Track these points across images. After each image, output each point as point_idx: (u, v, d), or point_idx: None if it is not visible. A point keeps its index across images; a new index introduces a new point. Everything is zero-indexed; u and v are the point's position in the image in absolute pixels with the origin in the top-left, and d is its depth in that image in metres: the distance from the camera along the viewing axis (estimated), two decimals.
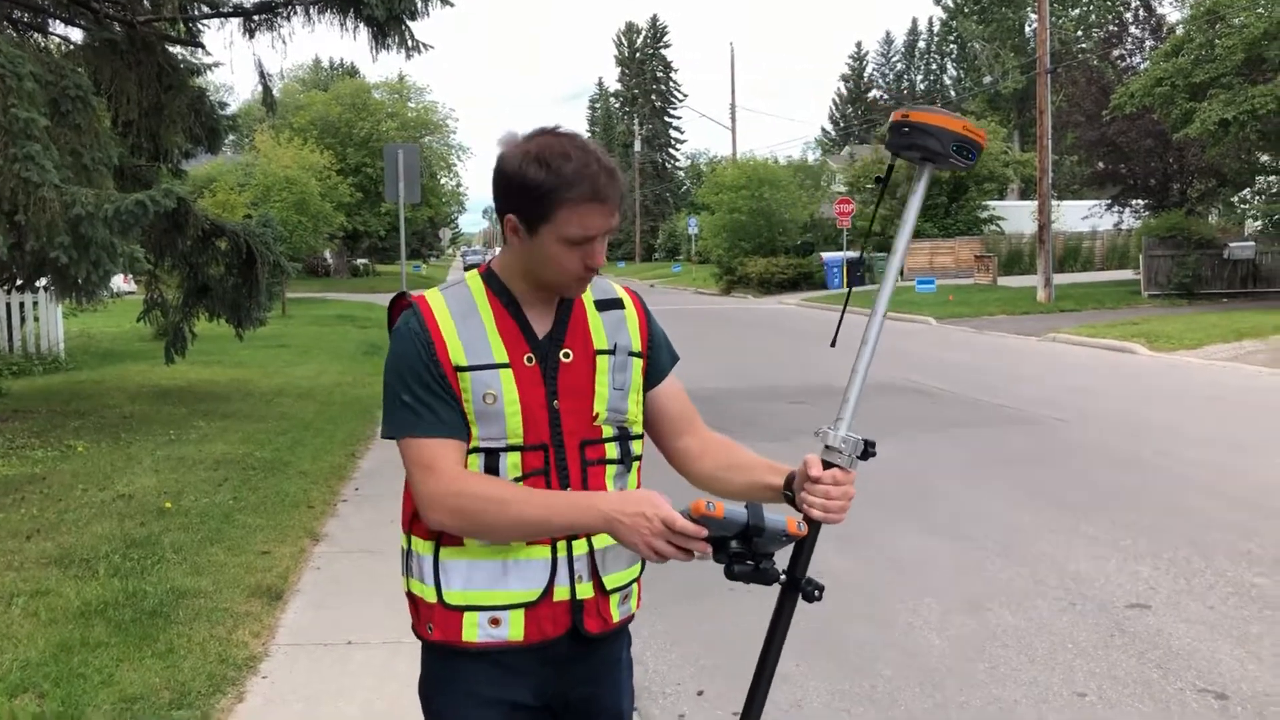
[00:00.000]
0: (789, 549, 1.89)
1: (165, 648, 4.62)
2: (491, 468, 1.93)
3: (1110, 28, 37.26)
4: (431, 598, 1.97)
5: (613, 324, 2.05)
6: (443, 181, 58.66)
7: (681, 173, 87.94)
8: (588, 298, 2.05)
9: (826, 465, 1.92)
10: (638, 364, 2.06)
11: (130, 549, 6.05)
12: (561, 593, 1.97)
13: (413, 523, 2.00)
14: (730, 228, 40.98)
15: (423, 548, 1.98)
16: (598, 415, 1.99)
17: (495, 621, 1.95)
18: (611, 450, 2.01)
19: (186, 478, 7.93)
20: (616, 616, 2.07)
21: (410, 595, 2.03)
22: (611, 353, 2.02)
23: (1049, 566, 5.88)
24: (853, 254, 36.45)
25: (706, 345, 19.50)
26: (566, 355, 1.98)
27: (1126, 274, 32.31)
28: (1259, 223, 24.65)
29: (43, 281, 11.22)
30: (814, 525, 1.91)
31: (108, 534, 6.37)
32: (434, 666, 2.05)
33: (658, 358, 2.11)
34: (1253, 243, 25.21)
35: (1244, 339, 16.89)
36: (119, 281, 23.84)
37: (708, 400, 12.28)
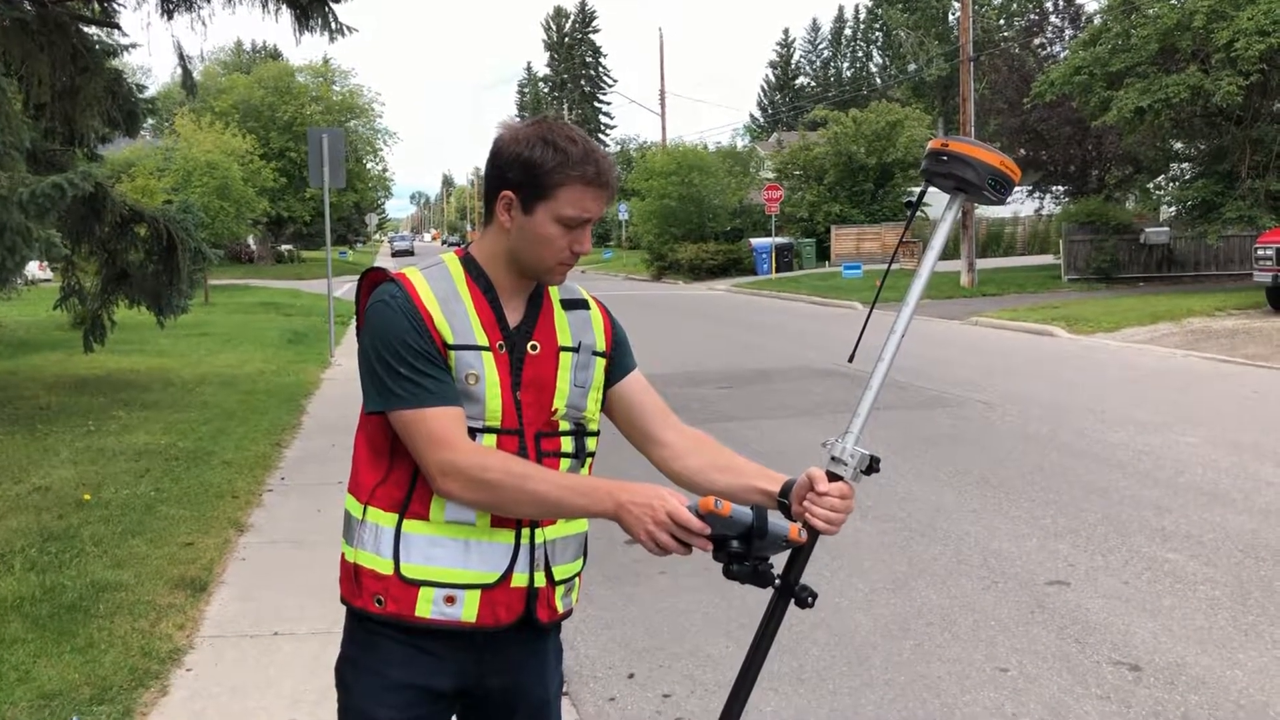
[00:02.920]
0: (784, 554, 1.93)
1: (85, 642, 4.52)
2: None
3: (1031, 16, 37.97)
4: (387, 570, 1.95)
5: (579, 323, 2.10)
6: (369, 166, 57.95)
7: (612, 158, 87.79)
8: (555, 296, 2.09)
9: (832, 477, 1.96)
10: (600, 364, 2.10)
11: (48, 543, 5.91)
12: (519, 579, 1.99)
13: (373, 495, 1.98)
14: (661, 214, 41.04)
15: (384, 519, 1.97)
16: (556, 410, 2.02)
17: (451, 600, 1.95)
18: (566, 444, 2.04)
19: (106, 469, 7.75)
20: (560, 608, 2.10)
21: (355, 567, 2.00)
22: (575, 350, 2.06)
23: (972, 545, 6.01)
24: (781, 239, 36.72)
25: (635, 331, 19.47)
26: (534, 347, 2.01)
27: (1047, 259, 32.99)
28: (1173, 208, 25.30)
29: None
30: (813, 534, 1.95)
31: (23, 528, 6.21)
32: (356, 644, 2.04)
33: (621, 357, 2.17)
34: (1167, 228, 25.90)
35: (1159, 322, 17.37)
36: (34, 268, 23.19)
37: None
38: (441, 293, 1.97)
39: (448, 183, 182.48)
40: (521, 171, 1.94)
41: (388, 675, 1.99)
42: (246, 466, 7.96)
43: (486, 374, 1.95)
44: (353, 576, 2.00)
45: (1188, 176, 24.76)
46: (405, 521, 1.95)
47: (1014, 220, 39.37)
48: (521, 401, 1.98)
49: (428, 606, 1.95)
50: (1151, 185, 28.58)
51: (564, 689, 2.21)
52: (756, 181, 44.48)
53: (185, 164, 35.15)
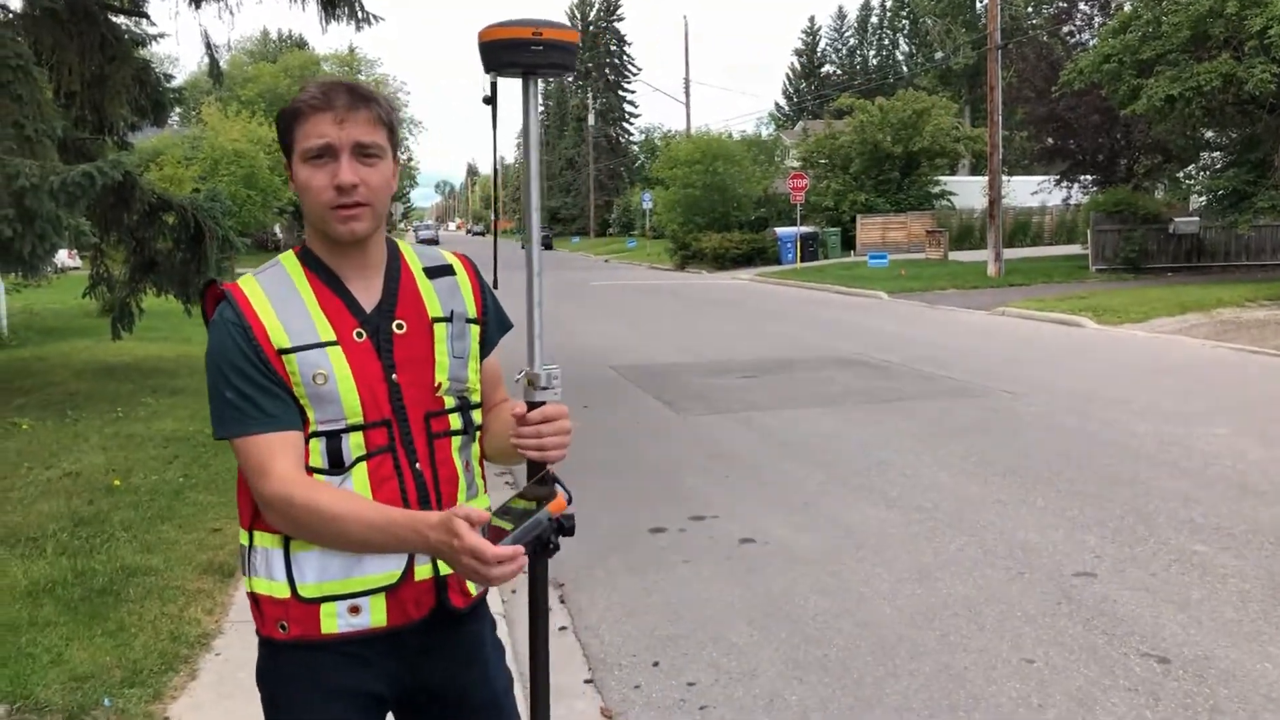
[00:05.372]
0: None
1: (116, 626, 4.57)
2: (335, 450, 1.84)
3: (1060, 4, 37.61)
4: (284, 593, 1.87)
5: (446, 291, 1.97)
6: None
7: (636, 147, 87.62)
8: (416, 265, 1.97)
9: (531, 406, 1.87)
10: (475, 330, 1.99)
11: (78, 527, 5.97)
12: (423, 571, 1.89)
13: (254, 519, 1.89)
14: (684, 203, 40.97)
15: (270, 542, 1.88)
16: (440, 385, 1.91)
17: (355, 610, 1.86)
18: (455, 421, 1.94)
19: (135, 455, 7.82)
20: (474, 589, 1.99)
21: (254, 596, 1.91)
22: (449, 320, 1.95)
23: (998, 536, 5.98)
24: (806, 229, 36.57)
25: (660, 321, 19.54)
26: (400, 326, 1.90)
27: (1074, 249, 32.75)
28: (1203, 198, 24.99)
29: None
30: (536, 467, 1.85)
31: (55, 512, 6.28)
32: (276, 663, 1.94)
33: (492, 323, 2.04)
34: (1197, 218, 25.64)
35: (1188, 312, 17.21)
36: (63, 256, 23.38)
37: (660, 376, 12.32)
38: (276, 292, 1.86)
39: (472, 172, 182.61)
40: (280, 135, 1.88)
41: (321, 684, 1.89)
42: None
43: (336, 370, 1.82)
44: (255, 605, 1.92)
45: (1218, 165, 24.49)
46: (292, 542, 1.86)
47: (1041, 210, 39.08)
48: (400, 384, 1.87)
49: (333, 621, 1.86)
50: (1181, 174, 28.32)
51: (512, 689, 2.13)
52: (781, 170, 44.33)
53: (212, 153, 35.38)
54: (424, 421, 1.89)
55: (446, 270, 2.00)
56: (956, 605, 4.99)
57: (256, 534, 1.90)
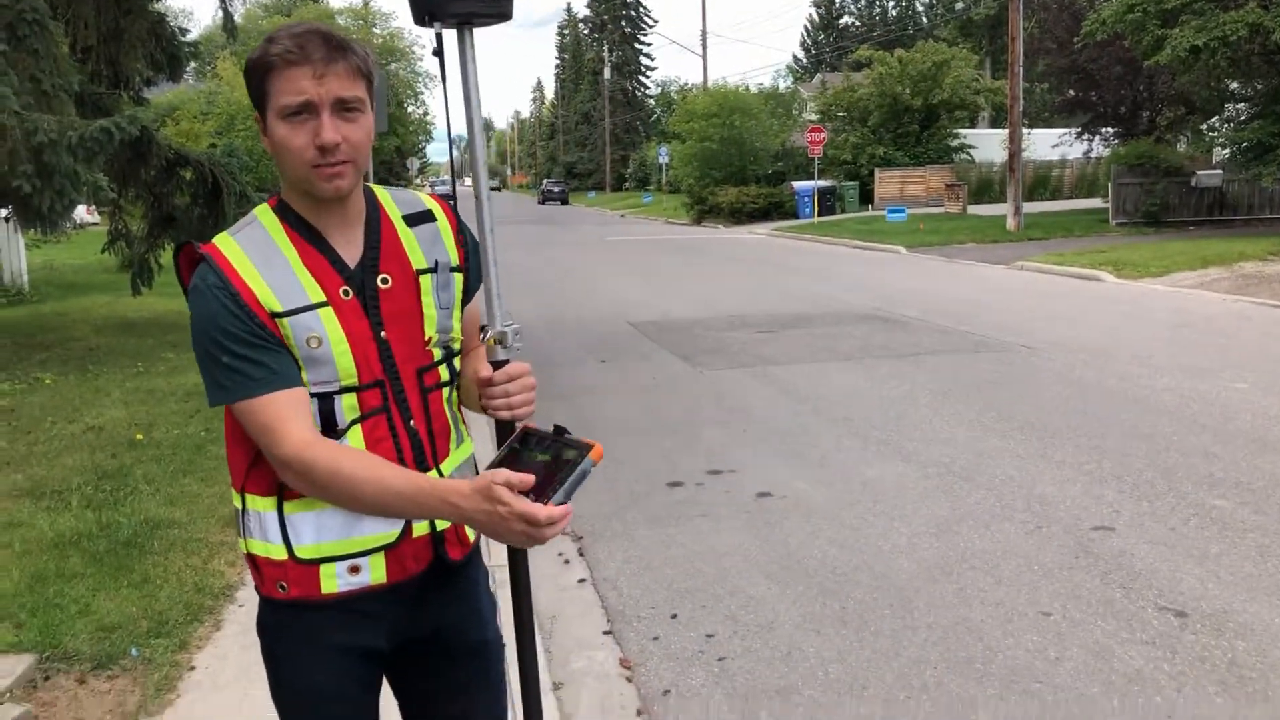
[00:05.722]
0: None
1: (141, 578, 4.64)
2: (328, 412, 1.79)
3: None
4: (281, 555, 1.84)
5: (428, 239, 1.90)
6: (409, 110, 57.80)
7: (652, 101, 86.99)
8: (395, 214, 1.89)
9: (496, 366, 1.87)
10: (459, 279, 1.92)
11: (102, 481, 6.04)
12: (421, 528, 1.88)
13: (246, 481, 1.86)
14: (701, 156, 40.69)
15: (263, 505, 1.84)
16: (430, 339, 1.87)
17: (355, 569, 1.84)
18: (444, 372, 1.91)
19: (157, 410, 7.89)
20: (472, 535, 1.99)
21: (252, 557, 1.88)
22: (434, 271, 1.88)
23: (1016, 490, 5.98)
24: (824, 183, 36.31)
25: (677, 276, 19.50)
26: (385, 281, 1.83)
27: (1095, 202, 32.45)
28: (1226, 151, 24.68)
29: (3, 212, 11.02)
30: (506, 428, 1.84)
31: (79, 466, 6.35)
32: (277, 618, 1.92)
33: (470, 274, 1.97)
34: (1220, 171, 25.33)
35: (1209, 266, 17.06)
36: (82, 212, 23.46)
37: (677, 330, 12.31)
38: (258, 255, 1.77)
39: (488, 126, 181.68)
40: (249, 88, 1.78)
41: (321, 641, 1.89)
42: None
43: (329, 332, 1.76)
44: (253, 566, 1.90)
45: (1243, 118, 24.13)
46: (285, 503, 1.82)
47: (1061, 163, 38.65)
48: (389, 341, 1.82)
49: (333, 582, 1.84)
50: (1205, 127, 27.91)
51: (503, 640, 2.13)
52: (799, 123, 43.94)
53: (228, 108, 35.27)
54: (416, 378, 1.86)
55: (426, 216, 1.92)
56: (974, 559, 5.00)
57: (248, 497, 1.86)
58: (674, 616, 4.52)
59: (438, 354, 1.89)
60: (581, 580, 4.92)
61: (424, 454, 1.87)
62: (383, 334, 1.81)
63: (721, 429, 7.60)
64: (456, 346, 1.94)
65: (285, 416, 1.71)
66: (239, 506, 1.88)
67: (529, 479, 1.59)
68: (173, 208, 11.17)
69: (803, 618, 4.44)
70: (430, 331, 1.87)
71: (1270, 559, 4.88)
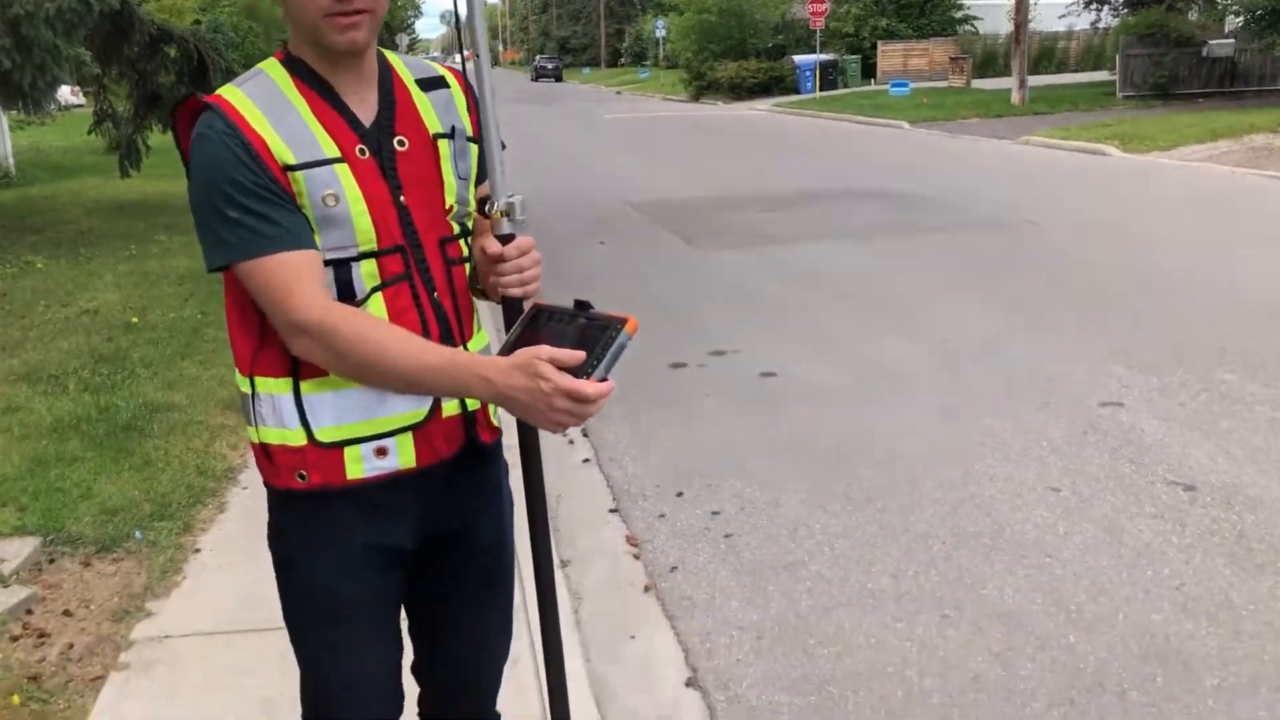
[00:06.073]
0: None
1: (142, 461, 4.60)
2: (344, 281, 1.64)
3: None
4: (299, 440, 1.67)
5: (441, 104, 1.76)
6: None
7: None
8: (408, 77, 1.76)
9: (505, 240, 1.71)
10: (474, 150, 1.79)
11: (99, 364, 5.97)
12: (451, 407, 1.74)
13: (255, 363, 1.69)
14: (699, 29, 39.69)
15: (276, 387, 1.67)
16: (451, 208, 1.73)
17: (382, 451, 1.69)
18: (464, 247, 1.78)
19: (151, 293, 7.79)
20: (496, 422, 1.85)
21: (264, 447, 1.71)
22: (450, 137, 1.74)
23: (1022, 368, 5.92)
24: (826, 56, 35.50)
25: (675, 155, 19.19)
26: (401, 144, 1.69)
27: (1101, 75, 31.72)
28: (1240, 19, 24.01)
29: None
30: (514, 304, 1.72)
31: (75, 350, 6.28)
32: (293, 517, 1.76)
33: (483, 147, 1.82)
34: (1232, 40, 24.71)
35: (1219, 139, 16.74)
36: (66, 93, 22.93)
37: (677, 210, 12.13)
38: (268, 106, 1.61)
39: None
40: None
41: (344, 541, 1.74)
42: None
43: (346, 190, 1.61)
44: (265, 457, 1.72)
45: None
46: (302, 384, 1.66)
47: (1068, 34, 37.73)
48: (409, 206, 1.67)
49: (358, 466, 1.69)
50: None
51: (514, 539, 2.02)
52: None
53: None
54: (439, 247, 1.72)
55: (440, 82, 1.78)
56: (982, 437, 4.96)
57: (259, 380, 1.68)
58: (679, 495, 4.50)
59: (457, 227, 1.76)
60: (586, 460, 4.89)
61: (450, 331, 1.73)
62: (402, 198, 1.67)
63: (724, 310, 7.51)
64: (471, 224, 1.81)
65: (301, 277, 1.56)
66: (247, 392, 1.71)
67: (578, 354, 1.48)
68: (158, 86, 10.88)
69: (809, 495, 4.42)
70: (450, 200, 1.73)
71: None
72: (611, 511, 4.38)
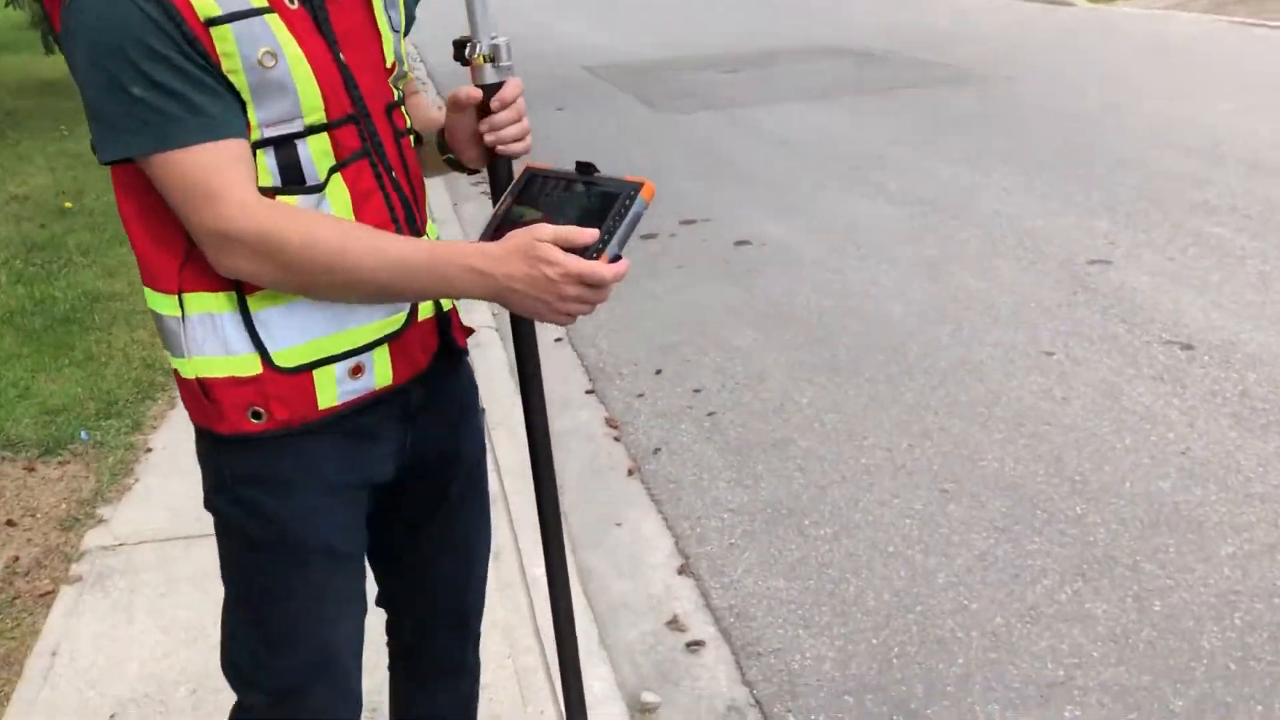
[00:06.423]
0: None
1: (84, 355, 4.32)
2: (290, 162, 1.30)
3: None
4: (254, 368, 1.34)
5: None
6: None
7: None
8: None
9: (489, 90, 1.44)
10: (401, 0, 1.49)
11: (32, 253, 5.62)
12: (426, 309, 1.48)
13: (183, 276, 1.33)
14: None
15: (216, 304, 1.33)
16: (391, 68, 1.43)
17: (358, 370, 1.40)
18: (407, 116, 1.49)
19: (85, 176, 7.35)
20: (464, 320, 1.62)
21: (201, 384, 1.36)
22: None
23: (1005, 225, 5.72)
24: None
25: (631, 11, 18.46)
26: None
27: None
28: None
29: None
30: (504, 166, 1.47)
31: (6, 238, 5.91)
32: (248, 470, 1.41)
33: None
34: None
35: None
36: None
37: (637, 73, 11.65)
38: None
39: None
40: None
41: (316, 486, 1.43)
42: None
43: (284, 47, 1.26)
44: (202, 395, 1.37)
45: None
46: (249, 297, 1.33)
47: None
48: (350, 66, 1.35)
49: (331, 391, 1.38)
50: None
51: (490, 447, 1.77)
52: None
53: None
54: (387, 116, 1.41)
55: None
56: (967, 299, 4.78)
57: (189, 298, 1.33)
58: (658, 372, 4.29)
59: (397, 92, 1.45)
60: (558, 339, 4.65)
61: (414, 218, 1.44)
62: (340, 55, 1.33)
63: (692, 177, 7.19)
64: (404, 86, 1.51)
65: (229, 174, 1.23)
66: (175, 314, 1.34)
67: (591, 232, 1.24)
68: None
69: (793, 368, 4.23)
70: (390, 56, 1.42)
71: (1272, 286, 4.70)
72: (588, 393, 4.17)
